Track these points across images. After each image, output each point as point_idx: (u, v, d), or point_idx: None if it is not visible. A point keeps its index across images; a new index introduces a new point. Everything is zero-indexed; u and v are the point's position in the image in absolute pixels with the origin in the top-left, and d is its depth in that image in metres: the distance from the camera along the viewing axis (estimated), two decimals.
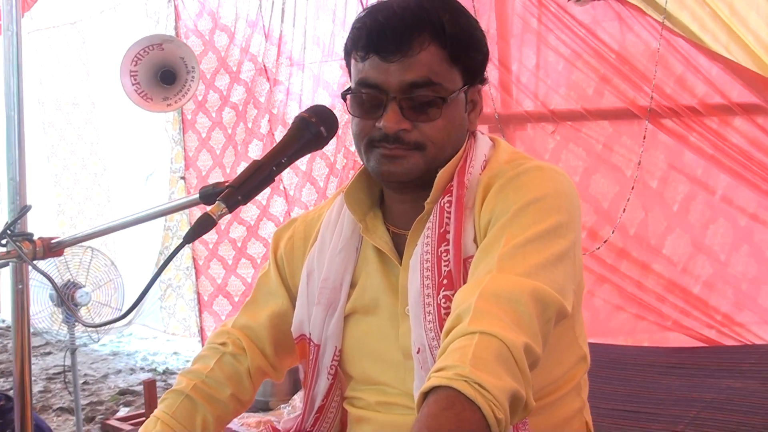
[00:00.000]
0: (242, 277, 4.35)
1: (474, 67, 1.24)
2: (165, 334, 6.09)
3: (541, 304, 1.04)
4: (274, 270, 1.44)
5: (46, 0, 5.04)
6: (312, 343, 1.34)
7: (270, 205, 4.23)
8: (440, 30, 1.18)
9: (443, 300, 1.15)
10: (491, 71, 3.22)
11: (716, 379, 2.79)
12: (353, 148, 3.18)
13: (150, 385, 3.41)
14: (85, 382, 4.89)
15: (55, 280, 3.04)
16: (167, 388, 1.73)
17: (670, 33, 3.10)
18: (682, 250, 3.31)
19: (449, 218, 1.18)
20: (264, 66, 4.17)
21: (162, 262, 5.86)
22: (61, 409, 4.41)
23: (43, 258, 1.41)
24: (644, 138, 3.21)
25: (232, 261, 4.34)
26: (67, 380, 4.31)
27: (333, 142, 1.82)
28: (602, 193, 3.42)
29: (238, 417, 2.54)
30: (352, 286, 1.32)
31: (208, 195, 1.21)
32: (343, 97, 1.24)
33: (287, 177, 4.12)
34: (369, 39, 1.19)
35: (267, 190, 3.44)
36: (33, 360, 4.51)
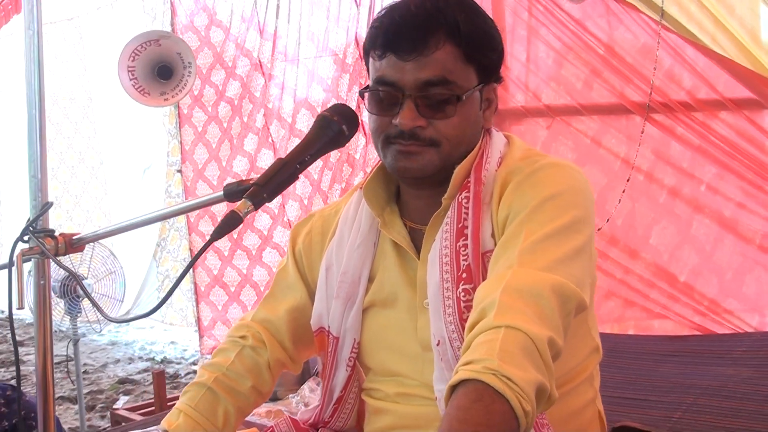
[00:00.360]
0: (238, 268, 4.40)
1: (489, 66, 1.26)
2: (162, 323, 6.16)
3: (561, 298, 1.06)
4: (292, 264, 1.46)
5: None
6: (331, 336, 1.36)
7: None
8: (455, 29, 1.20)
9: (462, 293, 1.17)
10: None
11: (709, 366, 2.80)
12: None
13: (159, 376, 3.44)
14: (84, 372, 4.92)
15: (56, 274, 3.08)
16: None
17: (663, 29, 3.12)
18: (668, 240, 3.35)
19: (467, 214, 1.20)
20: (259, 61, 4.22)
21: (158, 254, 5.91)
22: (62, 398, 4.47)
23: (65, 254, 1.42)
24: (642, 132, 3.23)
25: (228, 252, 4.39)
26: (68, 370, 4.36)
27: None
28: (592, 184, 3.45)
29: None
30: (371, 279, 1.34)
31: (233, 193, 1.23)
32: (361, 94, 1.27)
33: None
34: (386, 38, 1.22)
35: None
36: (32, 351, 4.55)
